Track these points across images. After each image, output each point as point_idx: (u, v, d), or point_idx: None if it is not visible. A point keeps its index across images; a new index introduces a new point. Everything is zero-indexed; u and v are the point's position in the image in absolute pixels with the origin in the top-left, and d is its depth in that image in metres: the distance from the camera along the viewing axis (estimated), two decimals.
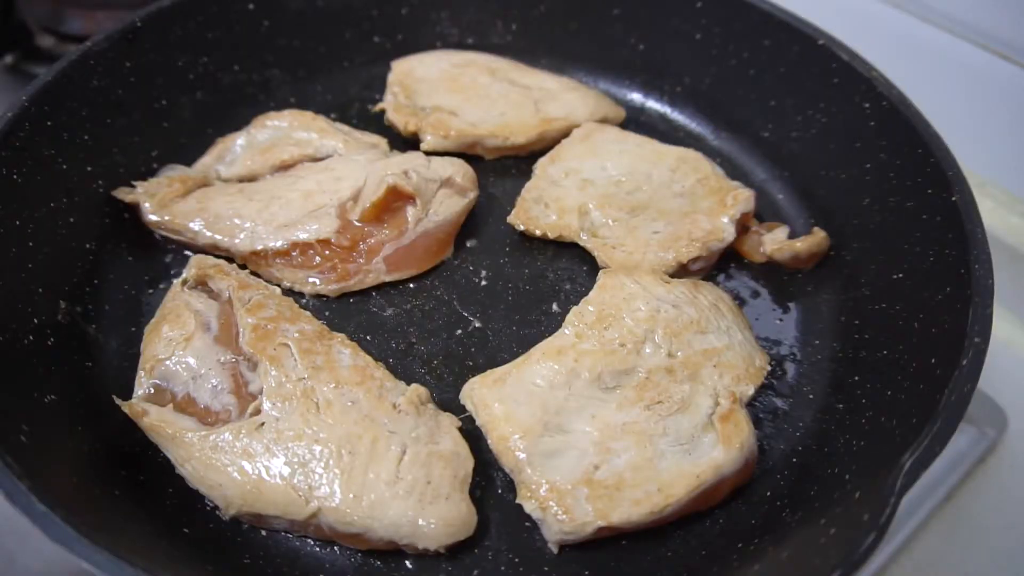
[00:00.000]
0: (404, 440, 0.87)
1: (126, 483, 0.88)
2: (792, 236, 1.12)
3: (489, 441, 0.90)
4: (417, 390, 0.91)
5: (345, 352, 0.94)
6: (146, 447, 0.90)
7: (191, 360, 0.93)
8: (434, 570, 0.86)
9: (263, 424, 0.87)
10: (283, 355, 0.92)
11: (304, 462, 0.85)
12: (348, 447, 0.85)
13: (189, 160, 1.19)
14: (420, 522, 0.83)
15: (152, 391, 0.93)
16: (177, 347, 0.94)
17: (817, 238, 1.10)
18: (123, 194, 1.10)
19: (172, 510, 0.88)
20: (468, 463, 0.88)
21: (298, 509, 0.83)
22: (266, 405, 0.88)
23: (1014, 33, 1.35)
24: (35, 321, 0.95)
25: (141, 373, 0.94)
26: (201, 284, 1.02)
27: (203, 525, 0.87)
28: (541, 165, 1.19)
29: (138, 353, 0.97)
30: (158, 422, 0.88)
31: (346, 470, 0.84)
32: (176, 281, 1.02)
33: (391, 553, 0.86)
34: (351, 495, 0.83)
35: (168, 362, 0.93)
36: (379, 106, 1.29)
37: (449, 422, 0.91)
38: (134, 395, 0.93)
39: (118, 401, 0.90)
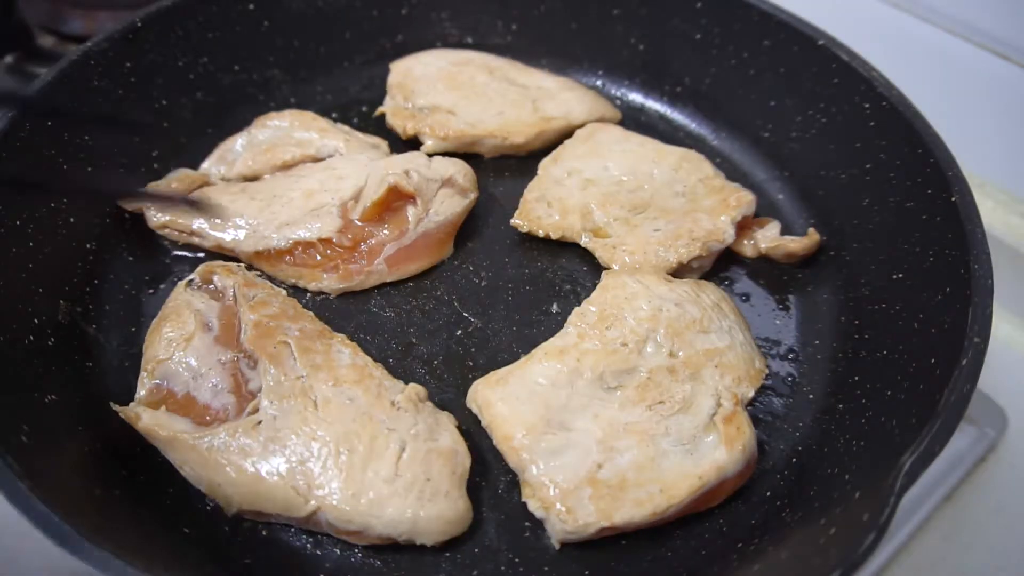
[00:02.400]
0: (403, 437, 0.87)
1: (126, 483, 0.88)
2: (790, 235, 1.12)
3: (494, 441, 0.90)
4: (415, 388, 0.92)
5: (344, 351, 0.94)
6: (146, 447, 0.90)
7: (192, 360, 0.93)
8: (434, 570, 0.86)
9: (260, 423, 0.87)
10: (283, 353, 0.92)
11: (303, 460, 0.85)
12: (347, 445, 0.85)
13: (189, 160, 1.19)
14: (419, 519, 0.83)
15: (154, 391, 0.93)
16: (178, 347, 0.94)
17: (812, 240, 1.10)
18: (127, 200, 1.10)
19: (172, 510, 0.87)
20: (466, 460, 0.88)
21: (298, 507, 0.83)
22: (264, 403, 0.88)
23: (1014, 33, 1.35)
24: (35, 321, 0.95)
25: (143, 373, 0.94)
26: (206, 282, 1.02)
27: (203, 525, 0.87)
28: (544, 165, 1.19)
29: (138, 353, 0.97)
30: (152, 426, 0.88)
31: (345, 468, 0.84)
32: (180, 282, 1.02)
33: (391, 552, 0.86)
34: (350, 493, 0.83)
35: (169, 362, 0.93)
36: (379, 110, 1.28)
37: (447, 419, 0.91)
38: (136, 395, 0.93)
39: (114, 407, 0.90)
